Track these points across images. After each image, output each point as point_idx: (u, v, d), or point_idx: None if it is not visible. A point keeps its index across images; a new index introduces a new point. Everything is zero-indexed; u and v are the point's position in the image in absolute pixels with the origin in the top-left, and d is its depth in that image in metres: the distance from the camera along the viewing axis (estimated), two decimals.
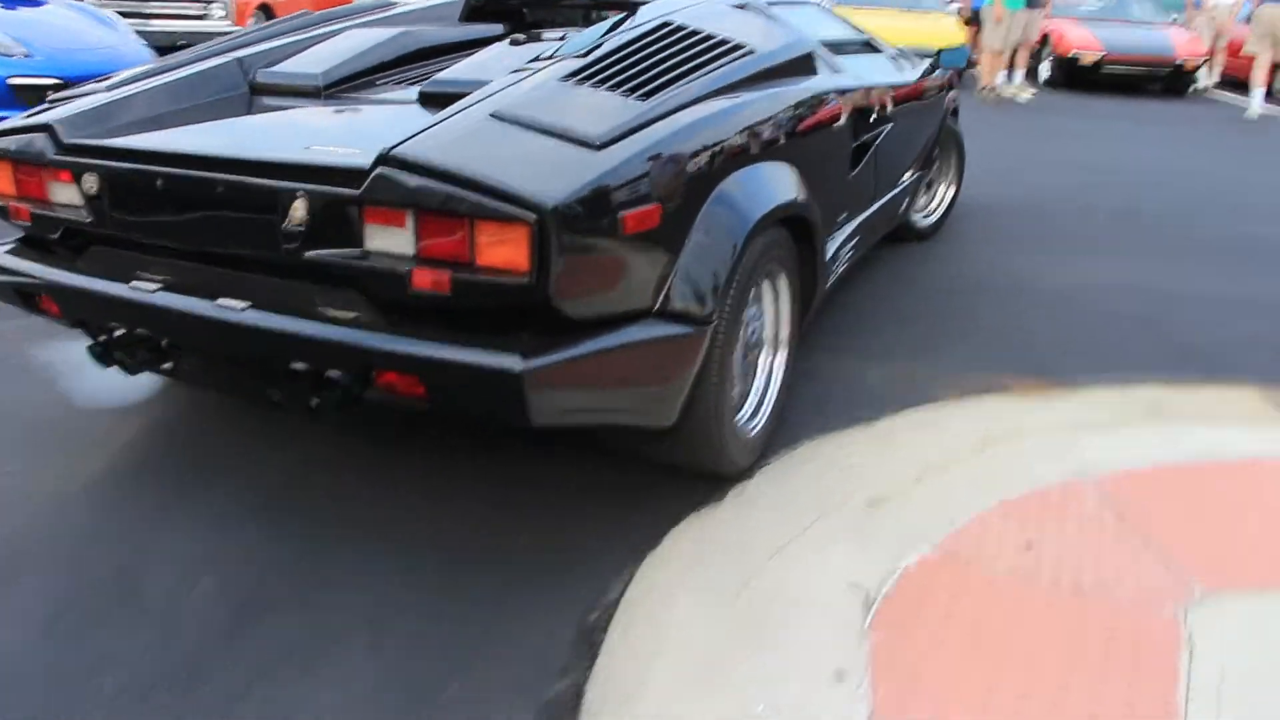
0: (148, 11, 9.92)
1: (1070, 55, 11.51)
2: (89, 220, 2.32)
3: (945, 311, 3.99)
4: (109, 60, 5.67)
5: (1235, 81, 12.44)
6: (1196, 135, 9.28)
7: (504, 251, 1.85)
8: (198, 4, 10.23)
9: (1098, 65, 11.37)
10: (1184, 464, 2.64)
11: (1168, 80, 11.63)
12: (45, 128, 2.33)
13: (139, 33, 7.48)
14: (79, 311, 2.41)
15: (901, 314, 3.92)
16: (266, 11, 11.10)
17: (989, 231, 5.23)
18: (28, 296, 2.45)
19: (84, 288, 2.31)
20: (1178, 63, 11.35)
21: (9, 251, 2.49)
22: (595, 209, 1.92)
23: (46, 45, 6.03)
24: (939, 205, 5.04)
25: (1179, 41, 11.65)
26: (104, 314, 2.33)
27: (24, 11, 6.62)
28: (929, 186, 4.96)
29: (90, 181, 2.28)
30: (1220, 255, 5.02)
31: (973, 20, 11.01)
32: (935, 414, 2.99)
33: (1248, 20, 12.33)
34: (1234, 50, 12.41)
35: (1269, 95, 10.41)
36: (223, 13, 10.30)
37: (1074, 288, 4.31)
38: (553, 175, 1.88)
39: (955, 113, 5.05)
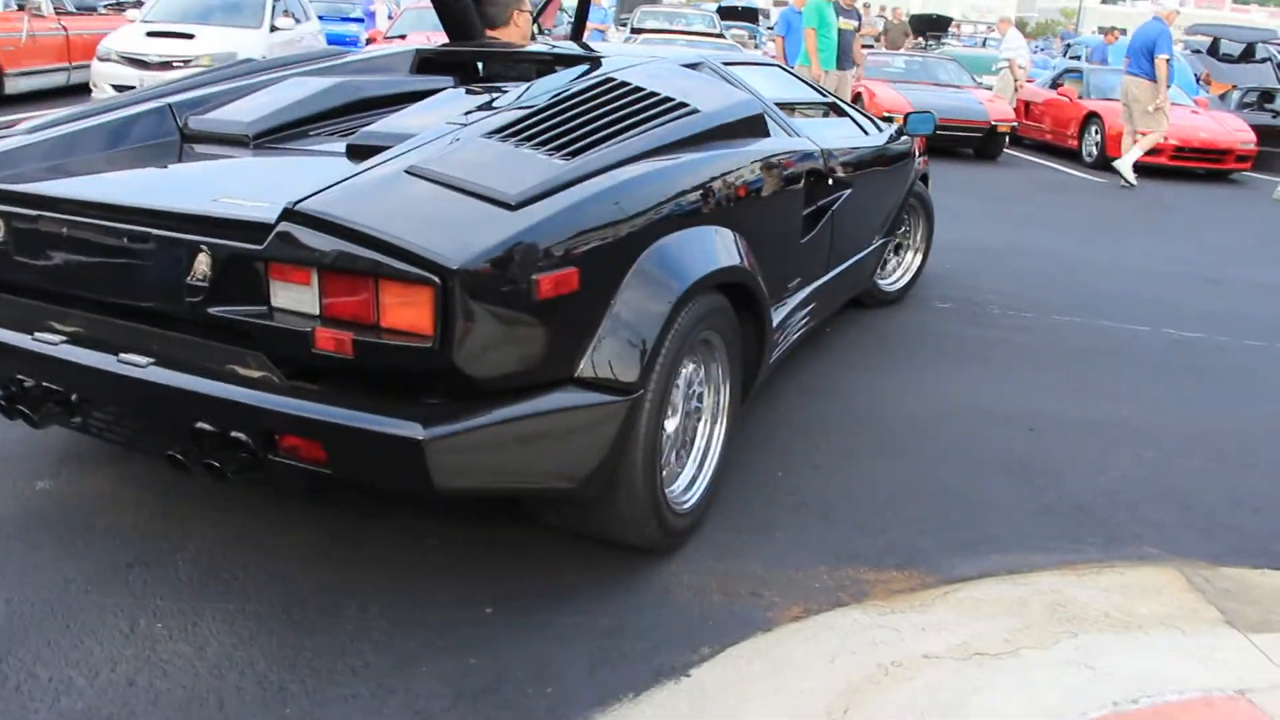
0: None
1: (883, 117, 11.49)
2: None
3: (768, 458, 3.06)
4: None
5: (1022, 140, 12.91)
6: (1031, 204, 8.72)
7: (407, 314, 1.76)
8: None
9: None
10: (1117, 717, 1.94)
11: (980, 143, 11.46)
12: None
13: None
14: None
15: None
16: None
17: (819, 334, 4.18)
18: None
19: None
20: (991, 124, 11.27)
21: None
22: (506, 271, 1.83)
23: None
24: (906, 271, 4.99)
25: (989, 104, 11.67)
26: (7, 365, 2.23)
27: None
28: (896, 251, 4.91)
29: None
30: (1080, 362, 4.24)
31: None
32: (772, 650, 2.16)
33: (1054, 86, 13.04)
34: (1022, 112, 12.98)
35: (1092, 164, 10.80)
36: None
37: (926, 416, 3.52)
38: (461, 235, 1.80)
39: (925, 178, 5.02)
